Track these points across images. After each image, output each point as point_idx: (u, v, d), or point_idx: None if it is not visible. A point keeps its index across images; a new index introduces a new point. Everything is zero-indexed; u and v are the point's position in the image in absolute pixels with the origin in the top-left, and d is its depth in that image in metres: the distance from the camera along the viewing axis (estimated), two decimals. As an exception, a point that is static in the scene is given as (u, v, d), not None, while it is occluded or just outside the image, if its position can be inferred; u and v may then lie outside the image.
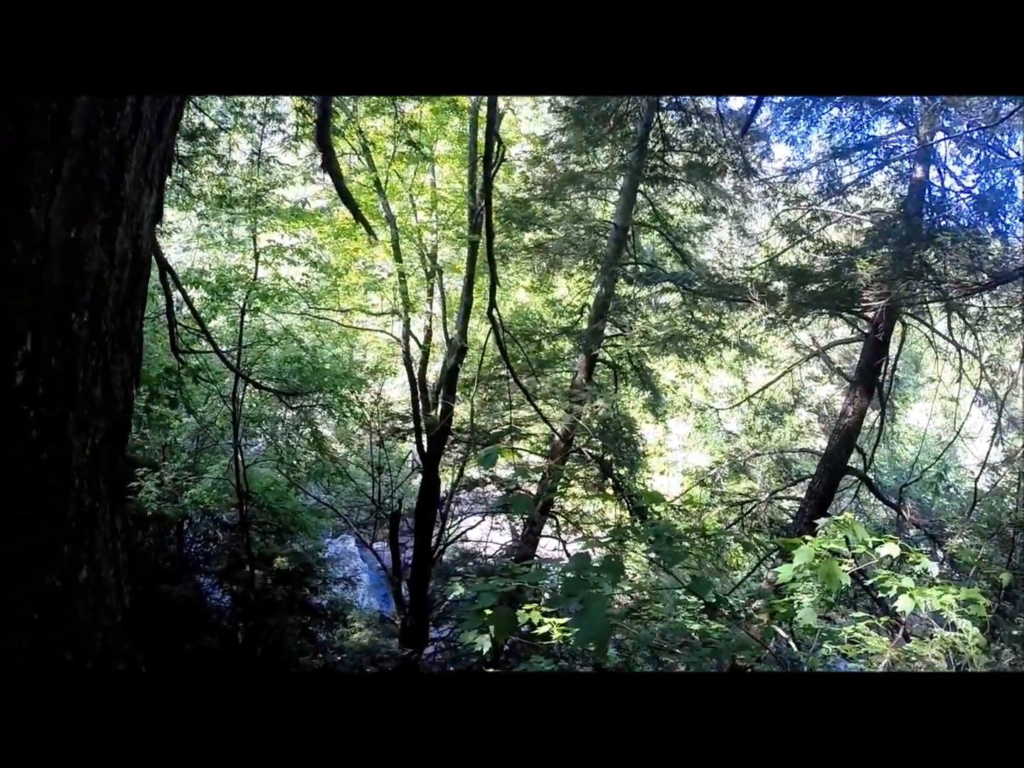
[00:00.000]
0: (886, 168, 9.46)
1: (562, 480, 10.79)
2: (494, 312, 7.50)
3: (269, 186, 8.72)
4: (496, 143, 5.41)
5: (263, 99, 7.30)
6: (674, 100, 9.73)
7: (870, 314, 8.46)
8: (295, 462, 10.18)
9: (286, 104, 7.88)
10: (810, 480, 9.78)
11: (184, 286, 7.61)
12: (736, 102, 10.47)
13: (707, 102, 9.88)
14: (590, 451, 11.65)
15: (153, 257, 5.82)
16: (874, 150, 9.08)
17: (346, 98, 9.04)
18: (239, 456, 8.46)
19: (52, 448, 1.45)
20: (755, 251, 11.48)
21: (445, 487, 12.54)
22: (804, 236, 9.64)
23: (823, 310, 9.06)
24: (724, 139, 9.57)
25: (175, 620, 8.36)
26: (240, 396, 8.69)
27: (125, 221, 1.66)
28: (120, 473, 1.81)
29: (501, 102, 12.11)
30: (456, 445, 12.76)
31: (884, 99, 8.31)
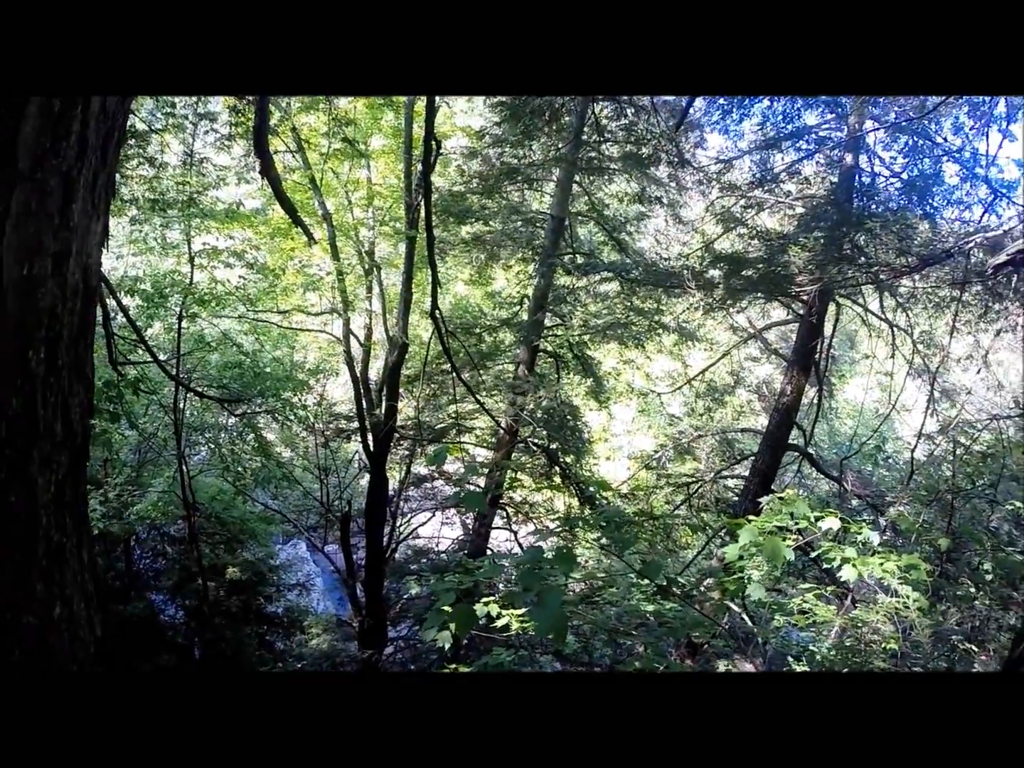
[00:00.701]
0: (817, 156, 9.76)
1: (510, 472, 10.86)
2: (436, 313, 7.47)
3: (203, 188, 8.49)
4: (434, 144, 5.37)
5: (194, 99, 7.09)
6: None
7: (804, 297, 8.75)
8: (240, 469, 9.97)
9: (218, 103, 7.67)
10: (753, 458, 10.07)
11: (118, 294, 7.38)
12: (669, 92, 10.59)
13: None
14: (536, 441, 11.72)
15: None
16: (805, 138, 9.36)
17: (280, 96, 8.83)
18: (183, 467, 8.27)
19: (19, 488, 1.43)
20: (691, 238, 11.72)
21: (393, 485, 12.46)
22: (738, 223, 9.88)
23: (758, 295, 9.32)
24: (658, 130, 9.71)
25: (129, 640, 8.15)
26: (181, 405, 8.48)
27: (75, 252, 1.62)
28: (83, 504, 1.79)
29: (437, 98, 12.04)
30: (402, 442, 12.66)
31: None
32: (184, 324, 8.50)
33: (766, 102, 8.82)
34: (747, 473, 10.30)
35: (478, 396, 10.06)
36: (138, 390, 5.96)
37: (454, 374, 9.51)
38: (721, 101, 8.95)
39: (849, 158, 8.97)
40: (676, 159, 9.90)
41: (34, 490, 1.49)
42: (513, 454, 11.79)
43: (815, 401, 10.55)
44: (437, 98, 12.04)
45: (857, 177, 9.07)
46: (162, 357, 8.30)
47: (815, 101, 8.80)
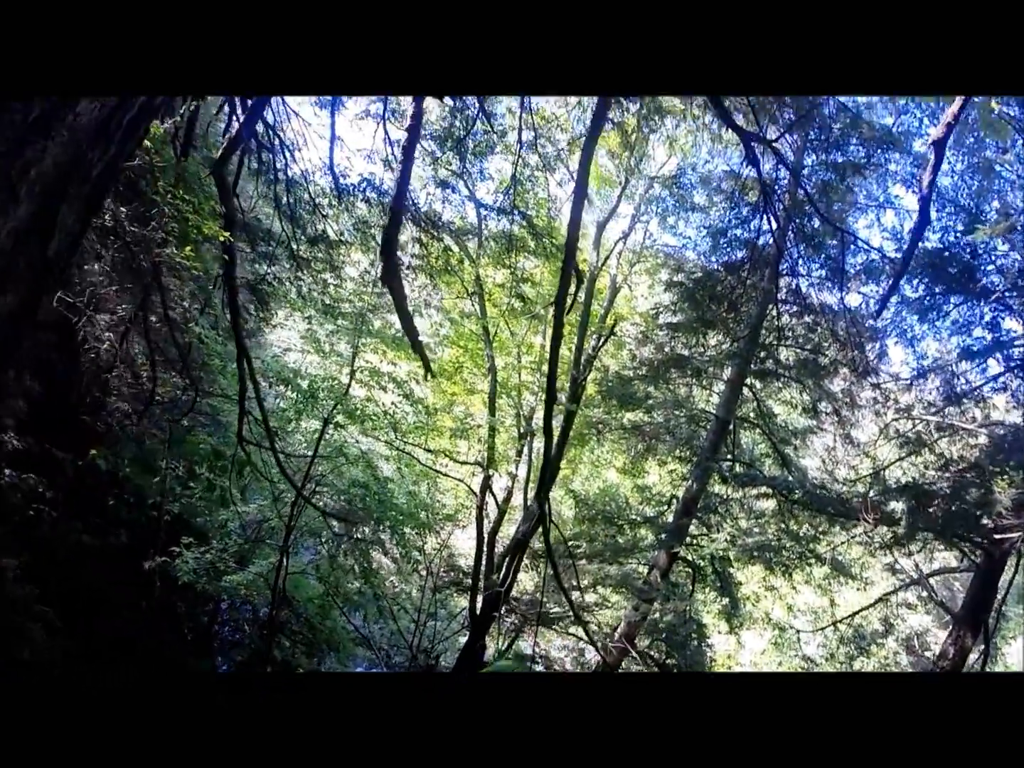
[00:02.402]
0: (1007, 376, 8.53)
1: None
2: (543, 496, 7.06)
3: (375, 307, 9.02)
4: (573, 277, 5.20)
5: (386, 220, 7.73)
6: (792, 290, 9.44)
7: (986, 544, 7.44)
8: (338, 584, 9.76)
9: (407, 234, 8.29)
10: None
11: (278, 384, 7.77)
12: (854, 298, 9.98)
13: (827, 295, 9.43)
14: (652, 653, 10.66)
15: (236, 343, 5.73)
16: (996, 354, 8.24)
17: (469, 237, 9.40)
18: (284, 560, 8.22)
19: None
20: (860, 462, 10.66)
21: (491, 653, 11.73)
22: (916, 449, 8.74)
23: (941, 536, 8.00)
24: (841, 335, 9.15)
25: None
26: (300, 504, 8.56)
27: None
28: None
29: (620, 277, 12.46)
30: (512, 614, 12.03)
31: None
32: (329, 429, 8.75)
33: (962, 309, 7.99)
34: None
35: (577, 610, 9.34)
36: (242, 471, 6.03)
37: (557, 583, 8.71)
38: (910, 308, 8.26)
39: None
40: (860, 366, 9.15)
41: None
42: (623, 662, 10.73)
43: (977, 667, 8.62)
44: (620, 277, 12.48)
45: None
46: (299, 453, 8.53)
47: (1007, 308, 7.86)
